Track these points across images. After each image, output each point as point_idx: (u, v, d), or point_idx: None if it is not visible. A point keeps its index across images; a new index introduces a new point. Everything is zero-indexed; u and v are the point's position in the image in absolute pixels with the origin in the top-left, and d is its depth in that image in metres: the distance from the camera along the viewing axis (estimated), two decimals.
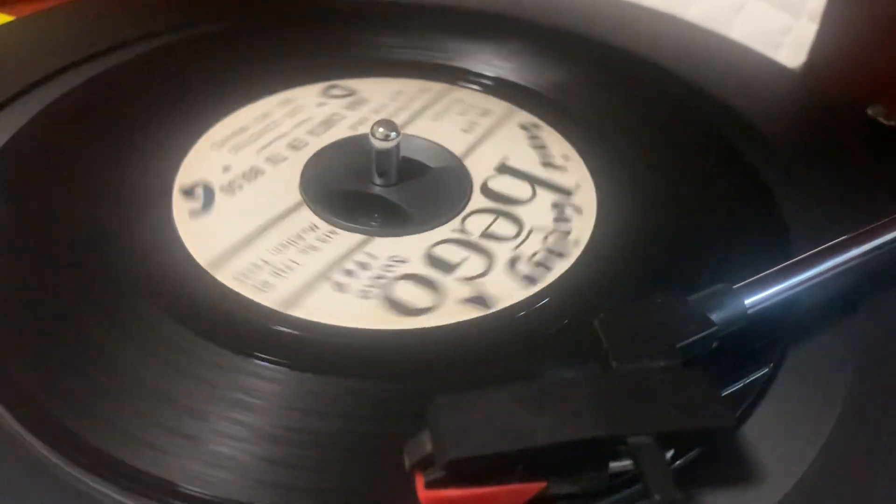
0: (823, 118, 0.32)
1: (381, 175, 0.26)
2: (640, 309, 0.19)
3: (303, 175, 0.26)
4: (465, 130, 0.29)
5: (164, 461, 0.17)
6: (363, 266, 0.23)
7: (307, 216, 0.25)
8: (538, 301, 0.22)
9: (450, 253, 0.24)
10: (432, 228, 0.25)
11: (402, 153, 0.26)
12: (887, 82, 0.35)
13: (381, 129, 0.25)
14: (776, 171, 0.28)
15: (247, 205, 0.25)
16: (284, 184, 0.26)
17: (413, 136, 0.28)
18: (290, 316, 0.21)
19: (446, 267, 0.23)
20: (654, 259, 0.24)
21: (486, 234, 0.24)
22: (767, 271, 0.21)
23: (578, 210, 0.25)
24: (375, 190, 0.26)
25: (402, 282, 0.23)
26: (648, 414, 0.16)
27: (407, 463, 0.16)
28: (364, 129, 0.27)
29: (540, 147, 0.28)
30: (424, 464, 0.16)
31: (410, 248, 0.24)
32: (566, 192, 0.26)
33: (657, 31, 0.37)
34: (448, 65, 0.33)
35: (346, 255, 0.23)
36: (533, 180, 0.27)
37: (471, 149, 0.28)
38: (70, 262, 0.22)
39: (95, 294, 0.21)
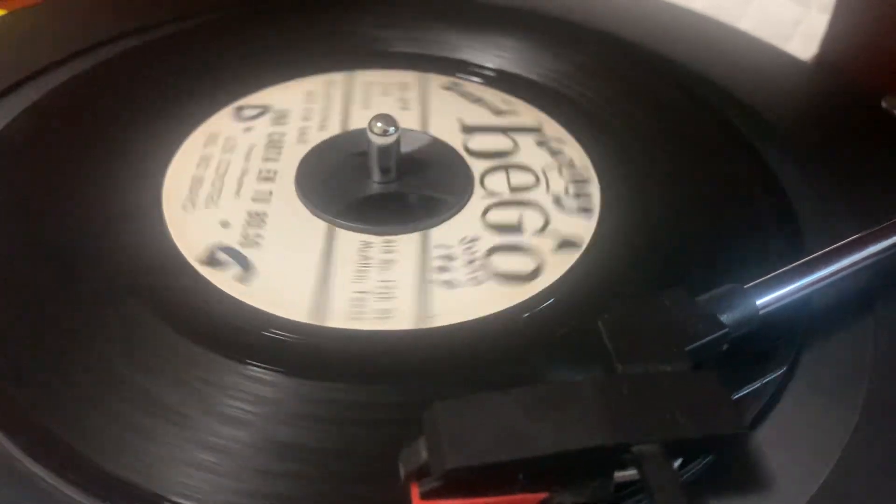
0: (836, 111, 0.31)
1: (383, 172, 0.25)
2: (647, 309, 0.18)
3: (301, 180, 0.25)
4: (403, 108, 0.29)
5: (150, 469, 0.17)
6: (449, 258, 0.23)
7: (356, 237, 0.24)
8: (544, 301, 0.22)
9: (504, 216, 0.24)
10: (464, 207, 0.25)
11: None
12: None
13: (378, 124, 0.24)
14: (788, 165, 0.27)
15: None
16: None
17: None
18: (283, 319, 0.21)
19: (515, 229, 0.24)
20: (661, 257, 0.23)
21: (515, 189, 0.25)
22: (780, 270, 0.20)
23: (570, 159, 0.26)
24: (381, 188, 0.25)
25: (495, 256, 0.23)
26: (655, 420, 0.16)
27: (402, 472, 0.16)
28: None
29: (478, 100, 0.29)
30: (420, 473, 0.15)
31: (468, 227, 0.24)
32: (537, 130, 0.27)
33: (666, 22, 0.36)
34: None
35: (424, 258, 0.23)
36: (503, 130, 0.28)
37: (422, 122, 0.28)
38: (54, 261, 0.22)
39: (81, 294, 0.21)
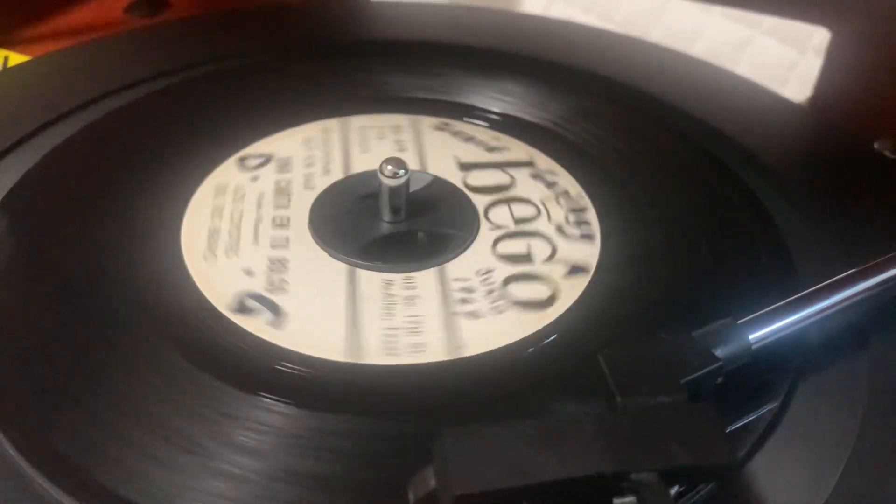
0: (830, 152, 0.32)
1: (393, 212, 0.26)
2: (645, 344, 0.19)
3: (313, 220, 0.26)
4: (400, 150, 0.30)
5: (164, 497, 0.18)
6: (469, 290, 0.24)
7: (377, 276, 0.24)
8: (547, 336, 0.22)
9: (513, 247, 0.26)
10: (474, 241, 0.26)
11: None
12: (894, 116, 0.35)
13: (389, 167, 0.25)
14: (783, 205, 0.28)
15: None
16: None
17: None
18: (292, 352, 0.21)
19: (524, 258, 0.25)
20: (659, 294, 0.24)
21: (519, 221, 0.27)
22: (772, 306, 0.21)
23: (565, 189, 0.26)
24: (393, 227, 0.26)
25: (512, 285, 0.24)
26: (652, 450, 0.16)
27: (411, 499, 0.16)
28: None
29: (470, 139, 0.31)
30: (429, 499, 0.16)
31: (480, 260, 0.25)
32: (530, 164, 0.28)
33: (663, 66, 0.37)
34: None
35: (445, 291, 0.24)
36: (498, 166, 0.29)
37: (421, 162, 0.29)
38: (78, 293, 0.23)
39: (98, 326, 0.22)
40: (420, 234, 0.26)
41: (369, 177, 0.27)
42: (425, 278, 0.24)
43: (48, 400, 0.20)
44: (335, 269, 0.24)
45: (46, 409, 0.20)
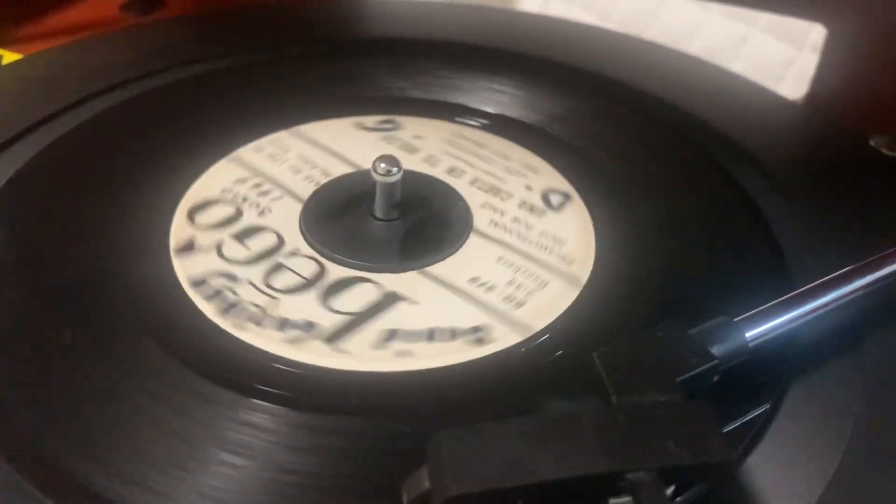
0: (826, 149, 0.32)
1: (386, 210, 0.26)
2: (641, 342, 0.19)
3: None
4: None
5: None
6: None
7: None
8: (537, 339, 0.22)
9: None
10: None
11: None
12: (890, 112, 0.35)
13: (382, 165, 0.25)
14: (779, 202, 0.28)
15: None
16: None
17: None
18: (288, 354, 0.21)
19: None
20: (654, 292, 0.24)
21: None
22: (769, 304, 0.21)
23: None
24: (386, 226, 0.26)
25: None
26: (648, 449, 0.16)
27: (405, 500, 0.16)
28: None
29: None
30: (423, 500, 0.16)
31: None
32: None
33: (659, 64, 0.37)
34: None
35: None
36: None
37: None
38: (70, 293, 0.23)
39: (88, 327, 0.22)
40: (414, 234, 0.26)
41: (363, 175, 0.27)
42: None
43: (40, 402, 0.20)
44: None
45: (37, 411, 0.19)
